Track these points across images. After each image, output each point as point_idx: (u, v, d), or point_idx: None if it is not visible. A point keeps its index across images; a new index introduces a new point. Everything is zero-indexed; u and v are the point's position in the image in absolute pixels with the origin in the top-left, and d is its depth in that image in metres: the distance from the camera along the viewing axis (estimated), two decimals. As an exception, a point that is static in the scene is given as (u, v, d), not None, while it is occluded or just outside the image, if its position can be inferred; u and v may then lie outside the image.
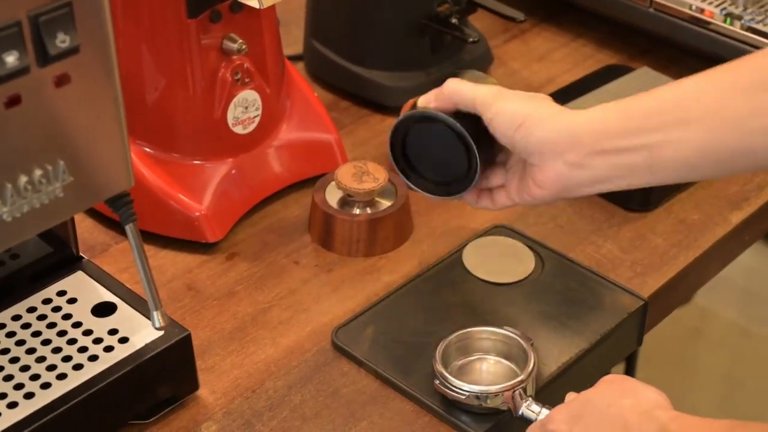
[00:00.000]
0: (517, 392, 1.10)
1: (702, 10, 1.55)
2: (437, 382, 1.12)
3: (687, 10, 1.56)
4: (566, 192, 1.08)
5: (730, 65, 1.02)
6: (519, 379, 1.10)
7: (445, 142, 1.11)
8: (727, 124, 0.99)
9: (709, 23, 1.54)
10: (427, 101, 1.13)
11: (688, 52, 1.62)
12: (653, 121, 1.02)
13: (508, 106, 1.08)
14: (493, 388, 1.10)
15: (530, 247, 1.31)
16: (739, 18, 1.52)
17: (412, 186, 1.16)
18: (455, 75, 1.19)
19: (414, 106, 1.14)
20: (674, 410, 0.96)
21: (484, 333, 1.16)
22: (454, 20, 1.54)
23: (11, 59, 0.84)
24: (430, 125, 1.12)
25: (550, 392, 1.15)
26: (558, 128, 1.06)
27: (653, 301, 1.27)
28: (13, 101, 0.86)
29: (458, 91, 1.11)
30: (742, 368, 2.42)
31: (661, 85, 1.05)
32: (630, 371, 2.14)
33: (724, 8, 1.54)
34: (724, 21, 1.53)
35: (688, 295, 1.45)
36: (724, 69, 1.02)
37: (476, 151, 1.10)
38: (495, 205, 1.16)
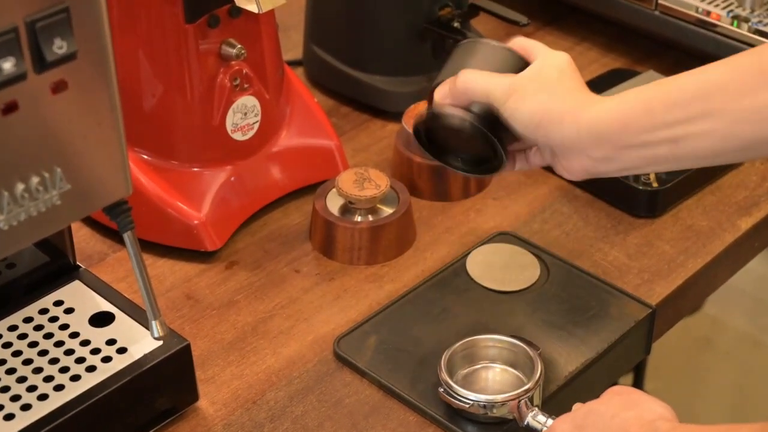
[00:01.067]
0: (523, 401, 1.08)
1: (708, 13, 1.53)
2: (442, 390, 1.11)
3: (693, 13, 1.54)
4: (594, 176, 1.09)
5: (752, 52, 1.00)
6: (525, 387, 1.09)
7: (467, 134, 1.10)
8: (751, 113, 0.97)
9: (715, 26, 1.52)
10: (443, 96, 1.11)
11: (695, 55, 1.60)
12: (676, 115, 1.00)
13: (523, 105, 1.06)
14: (499, 398, 1.09)
15: (535, 255, 1.29)
16: (746, 20, 1.50)
17: (446, 166, 1.17)
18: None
19: (431, 97, 1.13)
20: (677, 422, 0.95)
21: (490, 341, 1.15)
22: (456, 24, 1.53)
23: (8, 65, 0.84)
24: (449, 121, 1.11)
25: (556, 402, 1.13)
26: (578, 128, 1.04)
27: (661, 308, 1.25)
28: (10, 108, 0.86)
29: (471, 88, 1.09)
30: (753, 379, 2.41)
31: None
32: (638, 382, 2.13)
33: (731, 10, 1.52)
34: (731, 23, 1.51)
35: (697, 303, 1.43)
36: (746, 55, 1.00)
37: (498, 145, 1.09)
38: (530, 166, 1.15)
